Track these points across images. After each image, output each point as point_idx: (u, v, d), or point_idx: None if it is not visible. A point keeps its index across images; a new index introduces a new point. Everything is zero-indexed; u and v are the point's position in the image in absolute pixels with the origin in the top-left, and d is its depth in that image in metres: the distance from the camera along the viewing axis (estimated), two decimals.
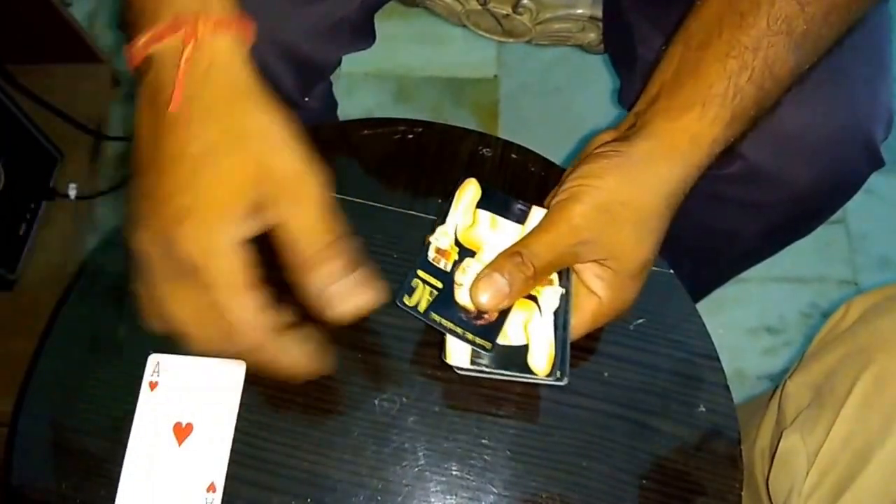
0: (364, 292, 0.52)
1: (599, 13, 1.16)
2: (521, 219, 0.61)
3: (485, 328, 0.56)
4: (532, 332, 0.58)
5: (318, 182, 0.52)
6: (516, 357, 0.57)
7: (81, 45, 1.55)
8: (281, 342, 0.53)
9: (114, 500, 0.59)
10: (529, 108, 1.66)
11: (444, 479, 0.60)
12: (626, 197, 0.55)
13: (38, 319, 1.27)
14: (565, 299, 0.59)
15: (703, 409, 0.63)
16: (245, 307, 0.51)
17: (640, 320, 0.66)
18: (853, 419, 0.59)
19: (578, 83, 1.67)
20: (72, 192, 1.48)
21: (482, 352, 0.56)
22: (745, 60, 0.56)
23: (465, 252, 0.59)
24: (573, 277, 0.60)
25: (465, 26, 1.32)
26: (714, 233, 0.84)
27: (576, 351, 0.64)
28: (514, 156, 0.74)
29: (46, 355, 0.65)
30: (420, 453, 0.61)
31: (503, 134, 1.25)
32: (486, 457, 0.61)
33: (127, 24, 0.56)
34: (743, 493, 0.62)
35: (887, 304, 0.62)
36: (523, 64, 1.69)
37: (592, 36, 1.21)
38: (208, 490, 0.59)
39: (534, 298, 0.59)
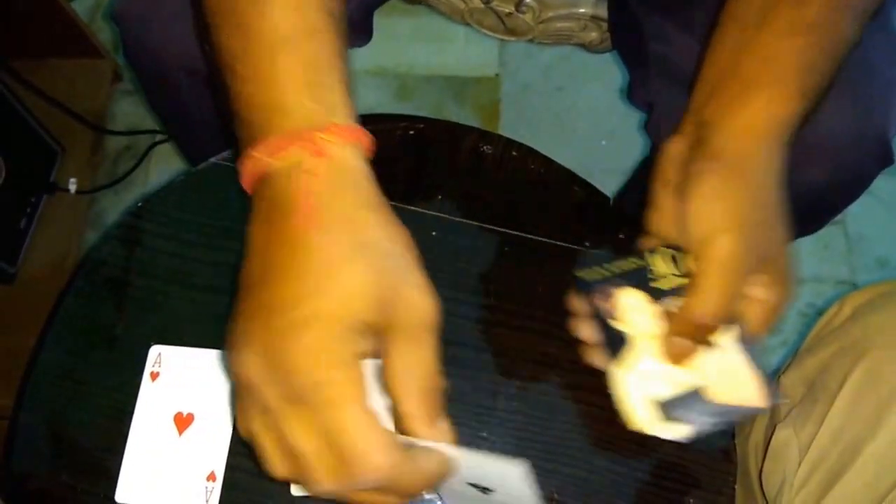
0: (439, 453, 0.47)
1: (601, 12, 1.17)
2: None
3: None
4: (726, 368, 0.55)
5: (435, 320, 0.47)
6: (700, 397, 0.55)
7: (83, 40, 1.55)
8: (409, 462, 0.45)
9: (115, 489, 0.60)
10: (531, 106, 1.66)
11: None
12: (762, 199, 0.54)
13: (38, 313, 1.27)
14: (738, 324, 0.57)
15: None
16: (372, 424, 0.43)
17: None
18: (844, 413, 0.59)
19: (580, 82, 1.68)
20: (72, 187, 1.48)
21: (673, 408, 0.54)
22: (812, 36, 0.55)
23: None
24: None
25: (467, 24, 1.33)
26: None
27: (572, 345, 0.65)
28: (514, 153, 0.74)
29: (48, 347, 0.66)
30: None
31: (504, 132, 1.26)
32: (484, 450, 0.62)
33: (234, 137, 0.53)
34: (737, 487, 0.62)
35: (880, 300, 0.62)
36: (525, 63, 1.70)
37: (594, 35, 1.22)
38: (208, 479, 0.60)
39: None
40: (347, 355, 0.43)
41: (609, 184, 0.96)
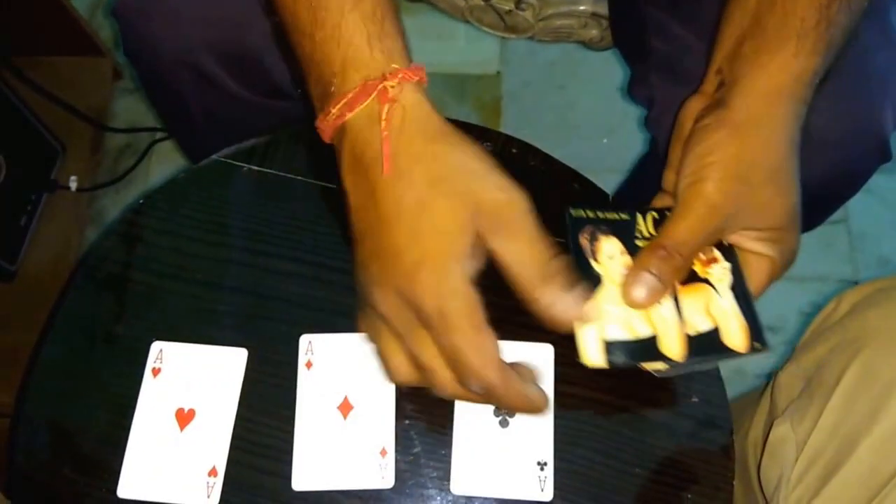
0: (582, 305, 0.53)
1: (601, 10, 1.17)
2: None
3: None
4: (716, 313, 0.57)
5: (526, 208, 0.52)
6: (712, 342, 0.56)
7: (83, 38, 1.55)
8: (516, 381, 0.53)
9: (117, 484, 0.60)
10: (532, 104, 1.66)
11: (440, 464, 0.61)
12: (752, 158, 0.55)
13: (38, 311, 1.27)
14: (737, 272, 0.59)
15: (696, 400, 0.64)
16: (484, 347, 0.51)
17: None
18: (841, 408, 0.59)
19: (580, 80, 1.68)
20: (72, 185, 1.49)
21: (619, 352, 0.55)
22: None
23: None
24: (736, 251, 0.60)
25: (468, 22, 1.33)
26: None
27: (572, 342, 0.65)
28: (514, 150, 0.74)
29: (49, 343, 0.66)
30: (417, 440, 0.62)
31: (505, 130, 1.25)
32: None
33: (307, 95, 0.58)
34: (735, 483, 0.63)
35: (877, 296, 0.62)
36: (526, 60, 1.70)
37: (594, 33, 1.22)
38: (209, 474, 0.60)
39: (705, 281, 0.58)
40: (459, 284, 0.50)
41: (609, 181, 0.97)
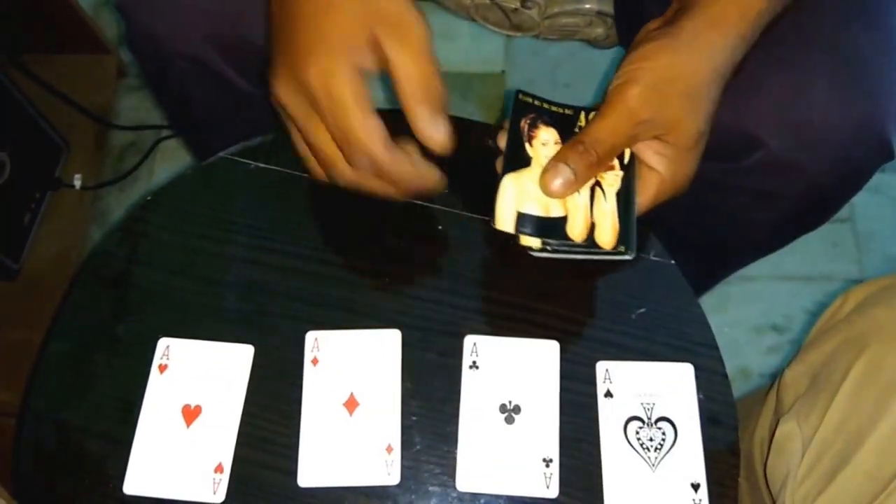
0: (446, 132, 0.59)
1: (607, 8, 1.17)
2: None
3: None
4: (597, 211, 0.62)
5: (424, 29, 0.59)
6: (555, 226, 0.61)
7: (87, 36, 1.56)
8: (403, 156, 0.60)
9: (123, 480, 0.60)
10: None
11: (445, 461, 0.61)
12: (677, 72, 0.59)
13: (42, 308, 1.28)
14: (627, 181, 0.63)
15: (702, 397, 0.64)
16: (370, 125, 0.57)
17: (642, 310, 0.67)
18: (847, 405, 0.59)
19: (585, 78, 1.67)
20: (77, 183, 1.49)
21: (528, 224, 0.61)
22: None
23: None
24: (636, 162, 0.64)
25: (473, 21, 1.32)
26: (726, 224, 0.85)
27: (577, 339, 0.65)
28: None
29: (55, 340, 0.66)
30: (422, 437, 0.62)
31: None
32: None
33: None
34: (742, 482, 0.63)
35: (883, 293, 0.62)
36: (531, 59, 1.70)
37: (600, 31, 1.22)
38: (216, 470, 0.60)
39: (597, 183, 0.63)
40: (348, 69, 0.56)
41: None
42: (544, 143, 0.64)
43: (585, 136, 0.59)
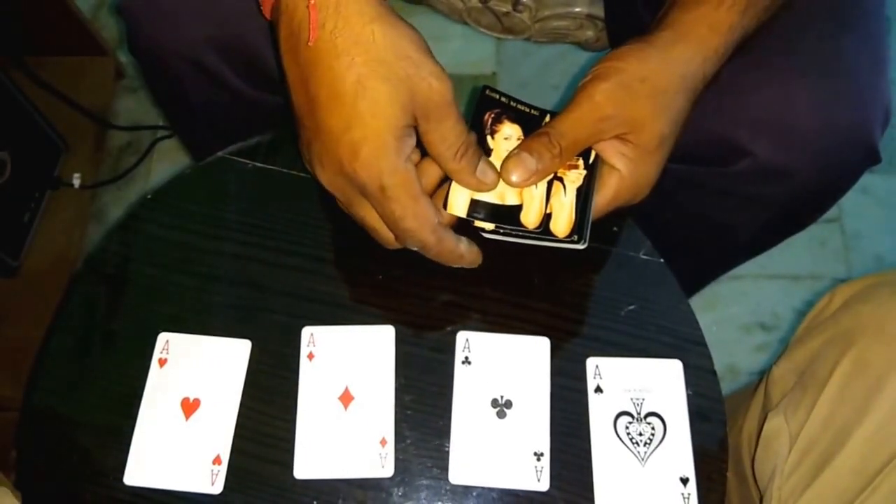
0: (491, 176, 0.61)
1: (597, 11, 1.18)
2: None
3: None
4: (555, 203, 0.63)
5: (452, 96, 0.58)
6: (509, 213, 0.63)
7: (86, 37, 1.56)
8: (451, 239, 0.62)
9: (123, 472, 0.61)
10: None
11: (438, 454, 0.62)
12: (645, 74, 0.60)
13: (41, 306, 1.29)
14: (588, 178, 0.64)
15: (691, 393, 0.65)
16: (421, 213, 0.59)
17: (631, 307, 0.68)
18: (833, 401, 0.60)
19: (576, 80, 1.68)
20: (76, 182, 1.50)
21: (482, 210, 0.63)
22: None
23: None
24: (599, 162, 0.65)
25: (465, 23, 1.33)
26: (715, 227, 0.86)
27: (567, 335, 0.67)
28: None
29: (57, 335, 0.67)
30: (416, 431, 0.63)
31: None
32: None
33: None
34: (730, 477, 0.63)
35: (869, 291, 0.63)
36: (522, 61, 1.71)
37: (590, 34, 1.23)
38: (214, 462, 0.61)
39: (560, 178, 0.64)
40: (396, 161, 0.57)
41: None
42: (507, 137, 0.65)
43: (550, 129, 0.61)
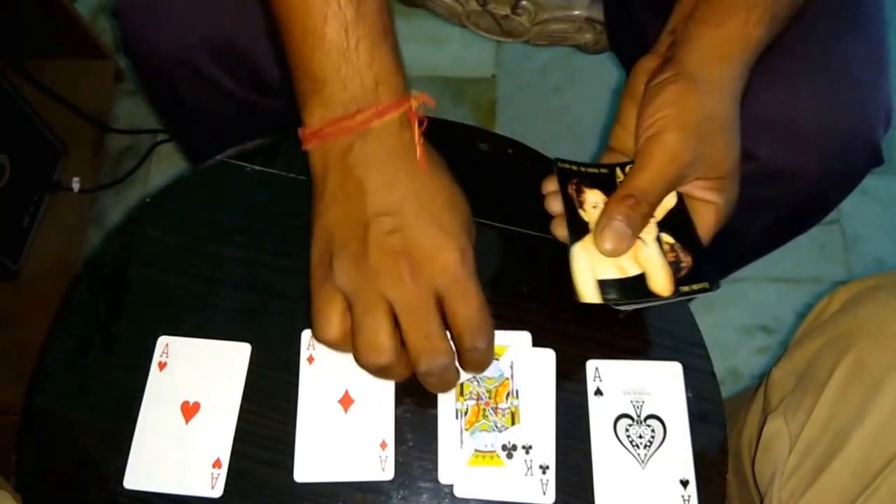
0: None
1: (596, 15, 1.18)
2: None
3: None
4: (643, 260, 0.62)
5: (474, 271, 0.58)
6: (638, 284, 0.61)
7: (85, 41, 1.56)
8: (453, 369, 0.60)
9: (123, 476, 0.61)
10: (527, 107, 1.67)
11: (436, 457, 0.62)
12: (706, 112, 0.60)
13: (40, 309, 1.28)
14: (686, 218, 0.64)
15: (690, 395, 0.65)
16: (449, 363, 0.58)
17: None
18: (833, 403, 0.60)
19: (575, 83, 1.69)
20: (75, 186, 1.50)
21: (612, 290, 0.61)
22: None
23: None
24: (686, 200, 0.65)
25: (464, 26, 1.33)
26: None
27: (564, 337, 0.67)
28: (510, 151, 0.76)
29: (58, 338, 0.67)
30: (416, 434, 0.63)
31: (501, 132, 1.26)
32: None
33: (298, 90, 0.60)
34: (730, 479, 0.63)
35: (868, 293, 0.63)
36: (521, 64, 1.71)
37: (589, 37, 1.23)
38: (214, 466, 0.61)
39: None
40: (437, 329, 0.57)
41: None
42: (594, 205, 0.64)
43: (633, 189, 0.60)
